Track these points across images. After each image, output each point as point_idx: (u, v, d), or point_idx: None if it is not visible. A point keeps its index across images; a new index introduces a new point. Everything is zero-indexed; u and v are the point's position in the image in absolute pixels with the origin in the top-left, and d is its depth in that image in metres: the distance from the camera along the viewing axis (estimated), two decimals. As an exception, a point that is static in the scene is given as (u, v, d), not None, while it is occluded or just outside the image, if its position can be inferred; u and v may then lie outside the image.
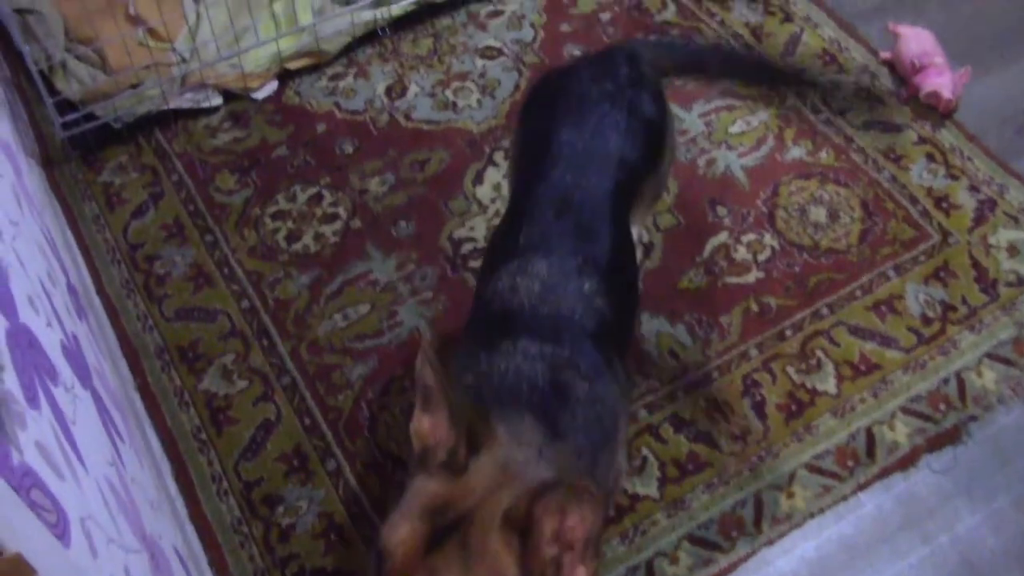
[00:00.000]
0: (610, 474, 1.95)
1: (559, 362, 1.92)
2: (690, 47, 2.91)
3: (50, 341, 1.80)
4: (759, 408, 2.64)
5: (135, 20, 3.41)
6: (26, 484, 1.16)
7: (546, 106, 2.38)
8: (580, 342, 1.98)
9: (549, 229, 2.11)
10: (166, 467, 2.56)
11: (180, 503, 2.50)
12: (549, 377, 1.89)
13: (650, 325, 2.78)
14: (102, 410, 2.05)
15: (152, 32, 3.36)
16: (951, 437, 2.59)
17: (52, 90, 3.19)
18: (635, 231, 2.46)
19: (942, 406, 2.63)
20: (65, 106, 3.19)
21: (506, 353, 1.93)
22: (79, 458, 1.56)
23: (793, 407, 2.63)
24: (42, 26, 3.32)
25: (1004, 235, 2.93)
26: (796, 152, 3.14)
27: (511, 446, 1.68)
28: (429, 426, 1.64)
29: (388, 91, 3.38)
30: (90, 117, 3.21)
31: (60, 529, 1.22)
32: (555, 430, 1.80)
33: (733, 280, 2.85)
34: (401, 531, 1.52)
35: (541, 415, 1.81)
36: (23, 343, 1.54)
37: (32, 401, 1.40)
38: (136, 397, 2.68)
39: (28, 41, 3.17)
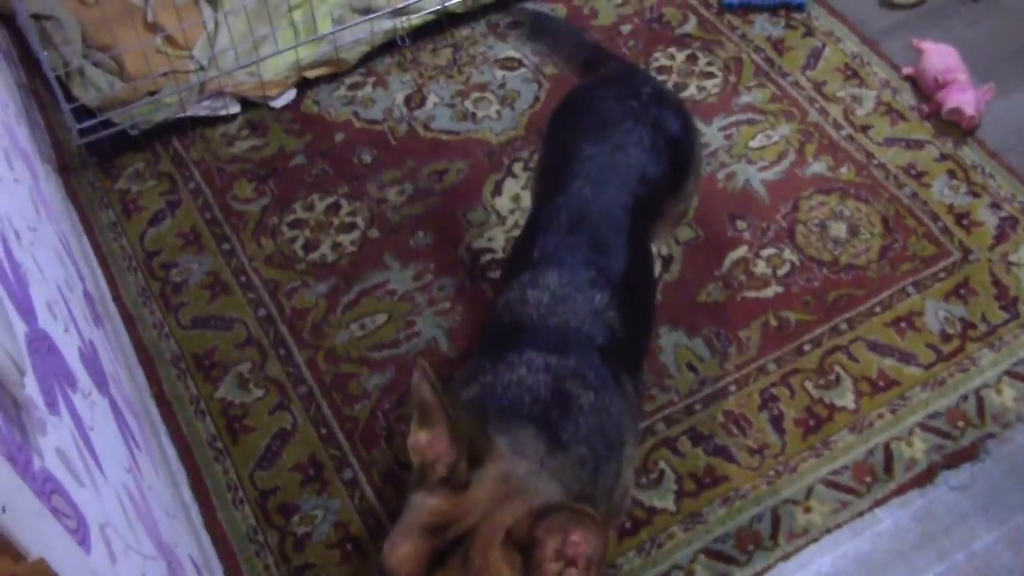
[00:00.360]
0: (616, 489, 1.95)
1: (563, 373, 1.92)
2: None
3: (68, 347, 1.80)
4: (777, 422, 2.63)
5: (153, 27, 3.41)
6: (47, 490, 1.16)
7: (570, 122, 2.38)
8: (587, 354, 1.98)
9: (564, 242, 2.12)
10: (182, 475, 2.56)
11: (195, 511, 2.49)
12: (552, 387, 1.90)
13: (668, 338, 2.77)
14: (119, 417, 2.05)
15: (170, 39, 3.36)
16: (969, 454, 2.58)
17: (69, 96, 3.19)
18: (655, 248, 2.46)
19: (960, 423, 2.62)
20: (82, 113, 3.20)
21: (511, 364, 1.93)
22: (98, 464, 1.56)
23: (811, 422, 2.62)
24: (60, 32, 3.33)
25: (1025, 252, 2.93)
26: (817, 167, 3.13)
27: (512, 459, 1.68)
28: (427, 441, 1.64)
29: (407, 101, 3.38)
30: (107, 124, 3.22)
31: (81, 535, 1.21)
32: (557, 440, 1.80)
33: (752, 294, 2.84)
34: (402, 550, 1.52)
35: (543, 426, 1.81)
36: (43, 349, 1.54)
37: (52, 407, 1.40)
38: (152, 405, 2.68)
39: (46, 47, 3.17)
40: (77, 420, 1.56)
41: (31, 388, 1.30)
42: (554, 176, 2.27)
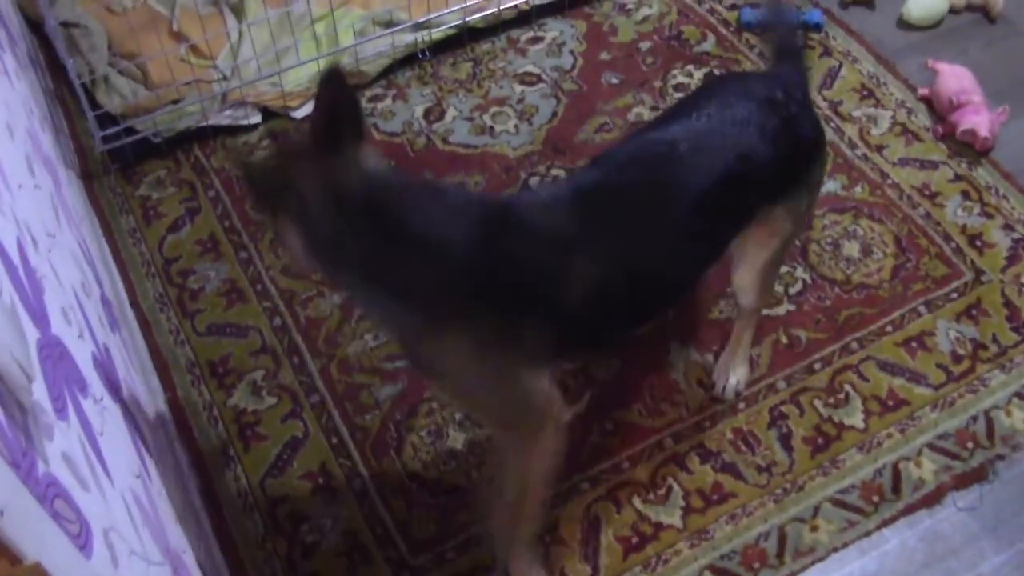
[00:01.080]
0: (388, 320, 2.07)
1: (479, 230, 1.93)
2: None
3: (81, 353, 1.82)
4: (785, 440, 2.63)
5: (178, 37, 3.45)
6: (50, 494, 1.18)
7: (708, 88, 2.33)
8: (520, 249, 1.97)
9: (631, 178, 2.09)
10: (193, 481, 2.57)
11: (205, 517, 2.51)
12: (449, 221, 1.92)
13: (679, 354, 2.78)
14: (130, 422, 2.07)
15: (194, 49, 3.40)
16: (978, 476, 2.58)
17: (94, 103, 3.23)
18: (753, 287, 2.45)
19: (969, 444, 2.62)
20: (106, 120, 3.24)
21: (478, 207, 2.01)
22: (105, 470, 1.58)
23: (820, 440, 2.63)
24: (87, 40, 3.37)
25: (1037, 275, 2.93)
26: (831, 186, 3.13)
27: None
28: None
29: (426, 114, 3.40)
30: (130, 131, 3.25)
31: (82, 540, 1.23)
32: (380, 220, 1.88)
33: (764, 312, 2.83)
34: None
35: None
36: (54, 355, 1.56)
37: (61, 412, 1.42)
38: (165, 410, 2.70)
39: (72, 54, 3.21)
40: (86, 425, 1.58)
41: (40, 394, 1.32)
42: (662, 116, 2.24)
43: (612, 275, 2.01)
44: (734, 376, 2.69)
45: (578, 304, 1.99)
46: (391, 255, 1.88)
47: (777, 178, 2.20)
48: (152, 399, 2.66)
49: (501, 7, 3.59)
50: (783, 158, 2.16)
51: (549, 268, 1.97)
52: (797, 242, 2.96)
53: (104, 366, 2.03)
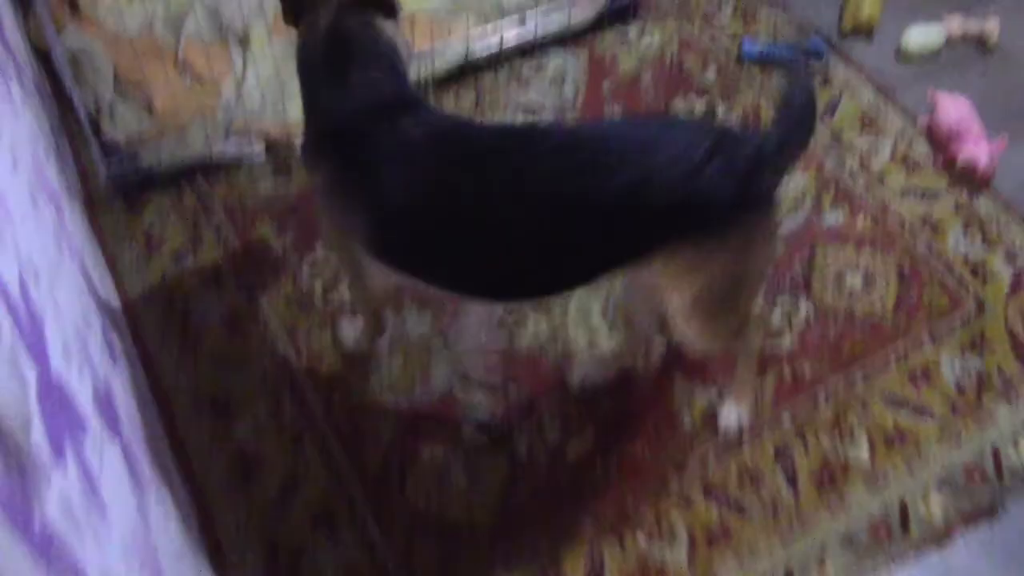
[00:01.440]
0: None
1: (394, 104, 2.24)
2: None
3: (82, 390, 1.81)
4: (791, 477, 2.61)
5: (183, 67, 3.44)
6: (46, 544, 1.17)
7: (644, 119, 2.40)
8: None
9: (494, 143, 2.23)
10: (192, 517, 2.56)
11: (204, 554, 2.49)
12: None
13: (682, 390, 2.77)
14: (130, 458, 2.06)
15: (199, 79, 3.39)
16: (987, 511, 2.56)
17: (98, 133, 3.22)
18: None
19: (977, 479, 2.60)
20: (111, 149, 3.22)
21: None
22: (103, 511, 1.57)
23: (825, 476, 2.61)
24: (92, 70, 3.37)
25: (1041, 305, 2.92)
26: (833, 217, 3.13)
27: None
28: None
29: (429, 144, 3.39)
30: (134, 160, 3.24)
31: (78, 588, 1.22)
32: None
33: (766, 346, 2.83)
34: None
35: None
36: (54, 397, 1.55)
37: (58, 456, 1.41)
38: (165, 445, 2.68)
39: (78, 84, 3.21)
40: (85, 467, 1.57)
41: (39, 438, 1.31)
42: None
43: (438, 213, 2.20)
44: (737, 411, 2.67)
45: (410, 222, 2.23)
46: (326, 90, 2.28)
47: (663, 222, 2.11)
48: (152, 433, 2.64)
49: (504, 37, 3.59)
50: (670, 206, 2.07)
51: (394, 171, 2.18)
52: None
53: (104, 401, 2.02)
